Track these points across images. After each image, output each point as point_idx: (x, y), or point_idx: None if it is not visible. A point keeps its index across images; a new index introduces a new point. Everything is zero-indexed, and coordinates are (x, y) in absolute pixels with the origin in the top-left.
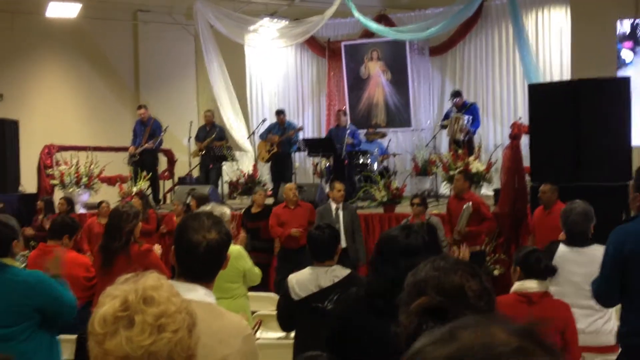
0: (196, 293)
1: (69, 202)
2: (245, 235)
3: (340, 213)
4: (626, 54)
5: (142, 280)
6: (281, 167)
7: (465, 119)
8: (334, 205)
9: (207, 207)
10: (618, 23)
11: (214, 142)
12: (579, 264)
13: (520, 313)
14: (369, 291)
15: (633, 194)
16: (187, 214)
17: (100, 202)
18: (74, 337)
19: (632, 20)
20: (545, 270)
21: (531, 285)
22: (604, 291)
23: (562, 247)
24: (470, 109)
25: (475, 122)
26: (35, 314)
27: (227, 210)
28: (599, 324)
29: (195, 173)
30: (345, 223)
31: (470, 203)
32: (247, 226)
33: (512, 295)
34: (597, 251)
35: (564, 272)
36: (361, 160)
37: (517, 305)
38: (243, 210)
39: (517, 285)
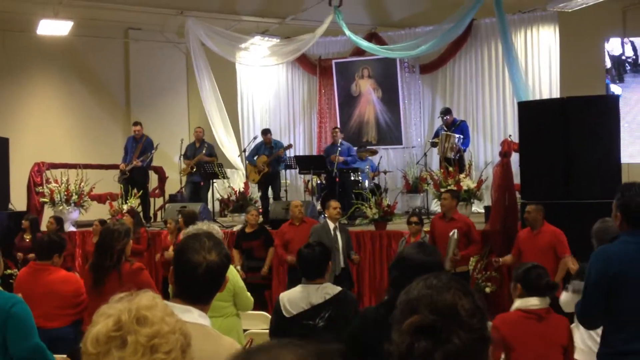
0: (191, 315)
1: (58, 221)
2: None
3: (339, 234)
4: (615, 88)
5: (136, 299)
6: (270, 187)
7: (457, 137)
8: (332, 225)
9: (203, 226)
10: (605, 45)
11: (203, 158)
12: None
13: (529, 330)
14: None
15: (614, 213)
16: (185, 234)
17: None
18: (64, 356)
19: (620, 39)
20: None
21: (534, 302)
22: (587, 313)
23: None
24: (459, 126)
25: (466, 139)
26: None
27: (219, 230)
28: None
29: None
30: (343, 243)
31: (456, 231)
32: (241, 246)
33: (516, 312)
34: None
35: None
36: (352, 178)
37: (524, 322)
38: (238, 231)
39: (520, 303)
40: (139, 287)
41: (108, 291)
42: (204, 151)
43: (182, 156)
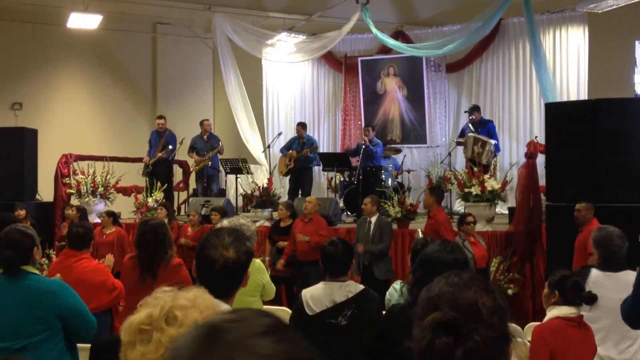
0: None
1: (81, 210)
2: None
3: (372, 226)
4: None
5: (177, 295)
6: (299, 182)
7: (493, 144)
8: (369, 219)
9: (240, 220)
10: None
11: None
12: (614, 290)
13: (572, 337)
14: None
15: None
16: (211, 228)
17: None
18: (87, 345)
19: None
20: (588, 298)
21: (573, 310)
22: (633, 313)
23: (595, 272)
24: (486, 126)
25: (496, 143)
26: (56, 322)
27: (251, 225)
28: (632, 351)
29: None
30: (373, 235)
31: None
32: (274, 240)
33: (558, 320)
34: (630, 276)
35: (599, 297)
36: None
37: (568, 330)
38: (272, 223)
39: (557, 311)
40: (178, 283)
41: (158, 284)
42: (219, 147)
43: (191, 149)
